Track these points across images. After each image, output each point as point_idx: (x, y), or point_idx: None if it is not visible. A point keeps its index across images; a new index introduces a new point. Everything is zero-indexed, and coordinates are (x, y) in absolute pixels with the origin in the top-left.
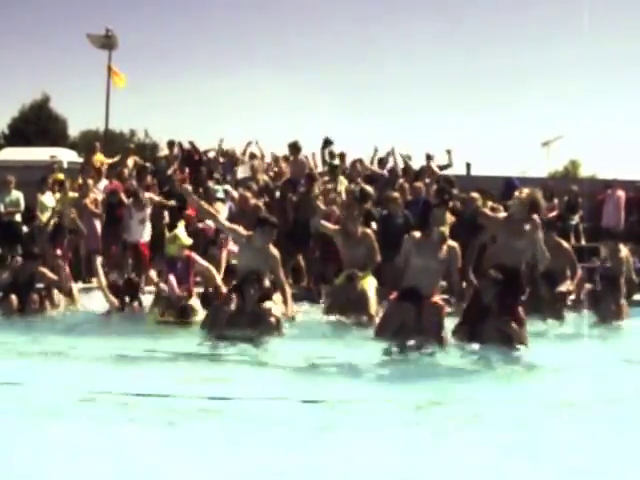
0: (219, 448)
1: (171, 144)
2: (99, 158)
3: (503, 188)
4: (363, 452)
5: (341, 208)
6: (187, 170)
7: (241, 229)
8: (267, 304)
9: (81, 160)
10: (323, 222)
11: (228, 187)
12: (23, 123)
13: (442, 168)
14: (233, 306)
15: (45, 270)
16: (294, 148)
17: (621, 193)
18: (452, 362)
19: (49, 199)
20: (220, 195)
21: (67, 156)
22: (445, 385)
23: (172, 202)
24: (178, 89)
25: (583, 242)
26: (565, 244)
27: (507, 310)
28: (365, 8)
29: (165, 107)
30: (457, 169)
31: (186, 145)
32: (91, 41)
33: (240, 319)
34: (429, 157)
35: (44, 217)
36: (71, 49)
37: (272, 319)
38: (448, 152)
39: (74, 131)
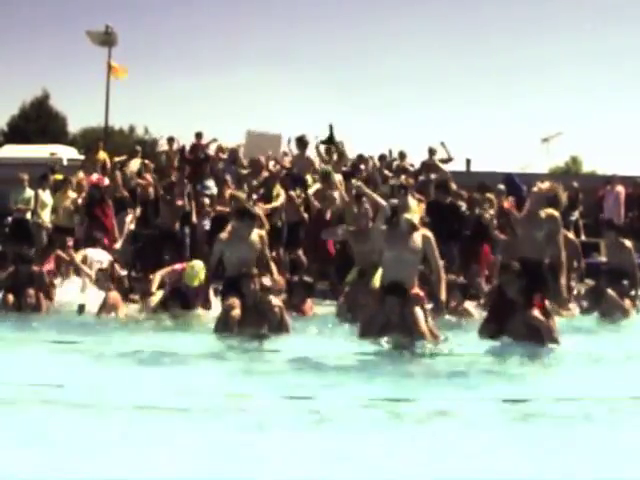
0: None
1: (171, 140)
2: (102, 156)
3: (503, 184)
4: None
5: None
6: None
7: (220, 240)
8: (268, 297)
9: (81, 157)
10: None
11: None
12: (23, 120)
13: (443, 162)
14: (238, 311)
15: (42, 271)
16: (301, 143)
17: (620, 188)
18: (439, 359)
19: (49, 197)
20: (214, 192)
21: (67, 153)
22: (436, 381)
23: None
24: (178, 85)
25: (583, 237)
26: (570, 235)
27: (533, 303)
28: (364, 2)
29: (165, 103)
30: (457, 165)
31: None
32: (91, 38)
33: (245, 318)
34: (431, 151)
35: (43, 214)
36: (70, 46)
37: (276, 309)
38: (442, 144)
39: (74, 128)
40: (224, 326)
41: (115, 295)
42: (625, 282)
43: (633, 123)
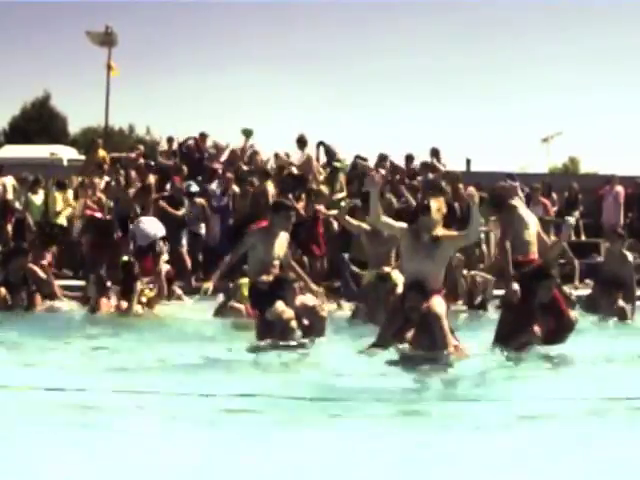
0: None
1: (170, 140)
2: (102, 154)
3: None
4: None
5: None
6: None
7: (250, 237)
8: (308, 300)
9: (81, 157)
10: (348, 218)
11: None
12: (25, 121)
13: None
14: (293, 317)
15: (35, 268)
16: (300, 142)
17: (620, 189)
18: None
19: (40, 199)
20: (193, 189)
21: (67, 153)
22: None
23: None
24: (178, 86)
25: (583, 238)
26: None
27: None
28: (364, 2)
29: (165, 103)
30: (457, 165)
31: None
32: (91, 39)
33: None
34: (435, 152)
35: (34, 216)
36: (71, 47)
37: (323, 313)
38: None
39: (74, 128)
40: (281, 335)
41: (105, 302)
42: (620, 292)
43: (633, 123)
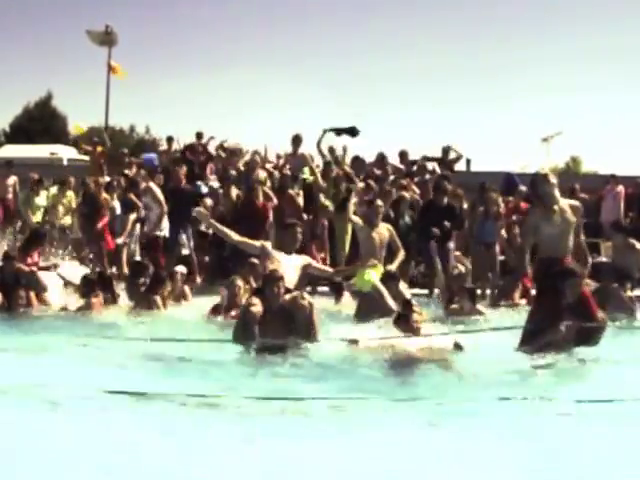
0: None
1: (170, 140)
2: (99, 149)
3: (502, 184)
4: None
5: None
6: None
7: (252, 242)
8: (295, 294)
9: (81, 157)
10: (353, 217)
11: (214, 184)
12: (26, 121)
13: (454, 161)
14: (259, 308)
15: (25, 268)
16: (295, 140)
17: (620, 188)
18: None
19: (42, 200)
20: (204, 190)
21: (67, 153)
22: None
23: None
24: (178, 85)
25: (582, 237)
26: None
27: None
28: (364, 2)
29: (165, 103)
30: (457, 165)
31: (190, 139)
32: (91, 38)
33: (269, 321)
34: (445, 151)
35: (35, 217)
36: (71, 47)
37: (303, 302)
38: (450, 148)
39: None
40: (244, 328)
41: (99, 301)
42: (628, 284)
43: (633, 123)
